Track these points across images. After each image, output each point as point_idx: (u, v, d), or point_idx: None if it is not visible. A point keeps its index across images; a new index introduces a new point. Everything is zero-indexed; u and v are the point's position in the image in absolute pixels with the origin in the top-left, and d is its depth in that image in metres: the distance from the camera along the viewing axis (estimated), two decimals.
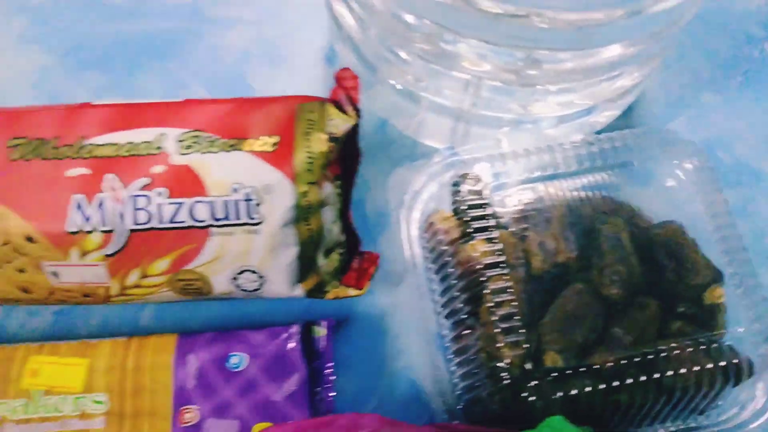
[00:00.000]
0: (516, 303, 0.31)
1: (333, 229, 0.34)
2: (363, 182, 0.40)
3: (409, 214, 0.36)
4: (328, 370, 0.33)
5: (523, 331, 0.30)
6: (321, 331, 0.34)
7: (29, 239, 0.31)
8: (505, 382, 0.30)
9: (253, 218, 0.31)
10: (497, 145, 0.39)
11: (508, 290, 0.32)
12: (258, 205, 0.31)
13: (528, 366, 0.30)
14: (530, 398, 0.30)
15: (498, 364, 0.30)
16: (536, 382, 0.30)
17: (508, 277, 0.32)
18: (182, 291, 0.33)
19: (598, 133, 0.40)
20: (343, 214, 0.35)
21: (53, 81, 0.45)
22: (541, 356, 0.31)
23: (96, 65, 0.45)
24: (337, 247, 0.35)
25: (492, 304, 0.31)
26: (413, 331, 0.38)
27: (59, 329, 0.38)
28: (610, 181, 0.37)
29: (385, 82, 0.40)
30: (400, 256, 0.40)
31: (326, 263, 0.35)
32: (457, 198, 0.35)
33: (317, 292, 0.35)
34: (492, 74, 0.36)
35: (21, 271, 0.32)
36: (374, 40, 0.38)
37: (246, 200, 0.31)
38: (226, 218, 0.31)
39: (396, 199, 0.37)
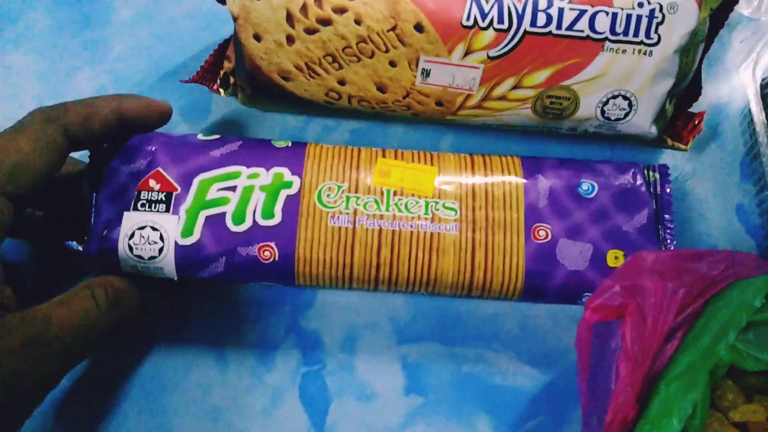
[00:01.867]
0: None
1: (692, 72, 0.33)
2: None
3: (753, 71, 0.35)
4: (667, 213, 0.32)
5: None
6: (655, 175, 0.33)
7: (418, 27, 0.30)
8: None
9: (650, 38, 0.30)
10: None
11: None
12: (660, 24, 0.29)
13: None
14: None
15: None
16: None
17: None
18: (543, 110, 0.32)
19: None
20: (701, 58, 0.33)
21: None
22: None
23: None
24: (677, 95, 0.34)
25: None
26: (714, 196, 0.37)
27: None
28: None
29: None
30: (708, 120, 0.38)
31: (668, 109, 0.33)
32: None
33: (659, 137, 0.34)
34: None
35: (392, 64, 0.31)
36: None
37: (649, 16, 0.29)
38: (624, 33, 0.29)
39: (739, 57, 0.36)
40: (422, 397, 0.34)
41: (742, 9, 0.39)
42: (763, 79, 0.35)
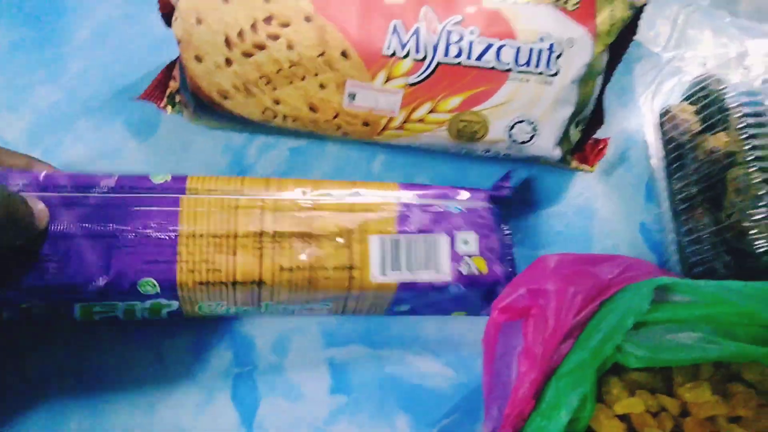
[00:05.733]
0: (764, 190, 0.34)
1: (591, 101, 0.36)
2: None
3: (651, 105, 0.39)
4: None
5: None
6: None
7: (344, 54, 0.33)
8: (760, 250, 0.33)
9: (550, 69, 0.33)
10: (728, 51, 0.41)
11: (755, 178, 0.34)
12: (558, 57, 0.33)
13: None
14: None
15: (750, 238, 0.33)
16: None
17: (753, 167, 0.35)
18: (457, 133, 0.35)
19: None
20: (602, 89, 0.37)
21: None
22: None
23: None
24: (583, 121, 0.37)
25: (742, 188, 0.34)
26: (620, 215, 0.41)
27: (292, 166, 0.40)
28: None
29: None
30: (618, 145, 0.42)
31: (573, 134, 0.37)
32: (703, 94, 0.38)
33: (563, 159, 0.37)
34: None
35: (322, 87, 0.34)
36: None
37: (549, 50, 0.33)
38: (527, 65, 0.33)
39: (639, 90, 0.40)
40: (346, 396, 0.36)
41: (651, 46, 0.44)
42: (661, 109, 0.39)
